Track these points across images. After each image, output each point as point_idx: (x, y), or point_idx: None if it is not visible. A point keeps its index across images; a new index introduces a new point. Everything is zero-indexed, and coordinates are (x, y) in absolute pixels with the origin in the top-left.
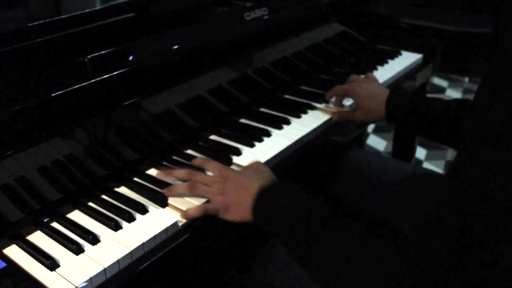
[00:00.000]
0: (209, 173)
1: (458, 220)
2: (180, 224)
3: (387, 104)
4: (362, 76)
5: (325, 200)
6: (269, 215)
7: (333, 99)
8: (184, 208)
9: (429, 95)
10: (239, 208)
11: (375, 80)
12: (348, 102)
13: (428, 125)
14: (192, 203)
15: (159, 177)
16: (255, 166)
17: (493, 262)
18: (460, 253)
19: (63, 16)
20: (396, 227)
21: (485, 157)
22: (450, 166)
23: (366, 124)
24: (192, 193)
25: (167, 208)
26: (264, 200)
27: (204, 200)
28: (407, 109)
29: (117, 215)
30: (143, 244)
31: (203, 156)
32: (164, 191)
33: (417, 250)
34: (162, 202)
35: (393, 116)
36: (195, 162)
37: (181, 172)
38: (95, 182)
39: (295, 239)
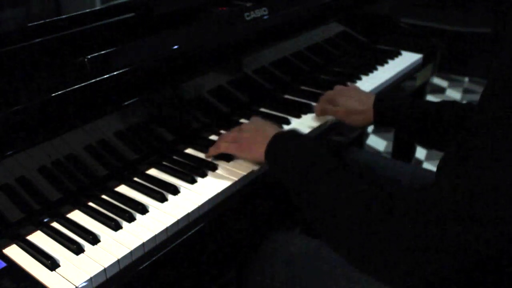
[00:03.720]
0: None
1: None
2: (180, 224)
3: (375, 107)
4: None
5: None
6: (280, 156)
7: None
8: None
9: (429, 96)
10: (253, 146)
11: (357, 88)
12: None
13: (410, 126)
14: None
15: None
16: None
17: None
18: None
19: (63, 16)
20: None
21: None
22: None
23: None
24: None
25: (167, 205)
26: (278, 142)
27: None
28: (395, 109)
29: (117, 215)
30: (143, 244)
31: (203, 156)
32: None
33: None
34: (161, 198)
35: (382, 118)
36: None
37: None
38: (95, 182)
39: (300, 181)
